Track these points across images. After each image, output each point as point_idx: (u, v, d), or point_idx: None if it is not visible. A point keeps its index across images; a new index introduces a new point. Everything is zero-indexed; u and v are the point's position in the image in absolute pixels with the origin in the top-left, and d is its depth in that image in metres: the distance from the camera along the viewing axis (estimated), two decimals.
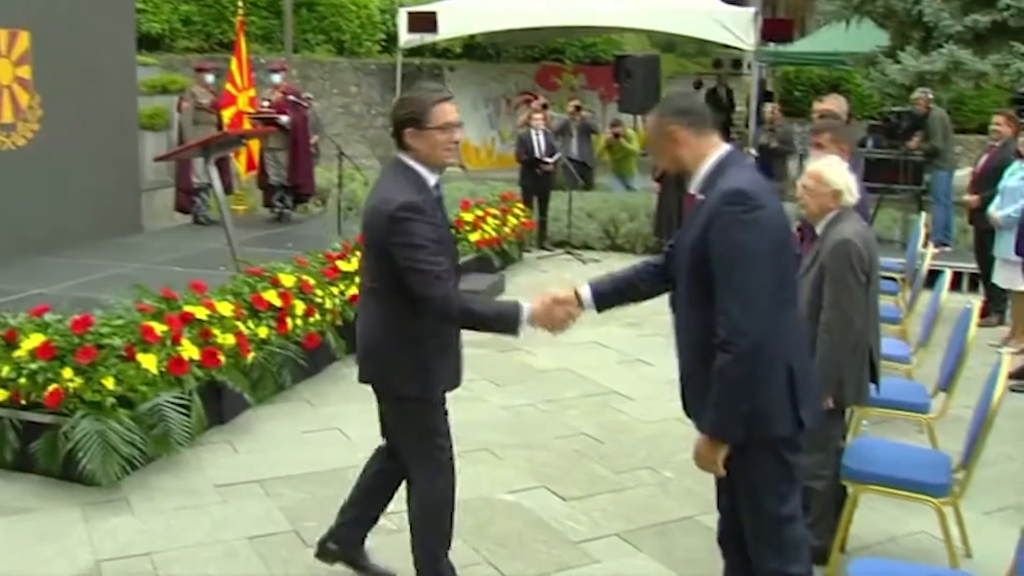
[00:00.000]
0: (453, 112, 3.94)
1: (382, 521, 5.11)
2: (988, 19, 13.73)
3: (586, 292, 3.90)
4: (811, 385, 3.54)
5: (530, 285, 11.27)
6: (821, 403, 3.80)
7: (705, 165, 3.47)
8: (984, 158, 9.72)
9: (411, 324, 3.91)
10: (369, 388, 4.14)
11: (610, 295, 3.93)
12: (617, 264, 12.68)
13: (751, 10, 16.74)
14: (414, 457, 4.16)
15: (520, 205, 12.81)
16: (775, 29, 16.10)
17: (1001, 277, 8.75)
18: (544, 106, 14.83)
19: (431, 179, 3.98)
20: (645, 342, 8.80)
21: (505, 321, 3.91)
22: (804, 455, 3.59)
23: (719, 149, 3.49)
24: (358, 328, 4.15)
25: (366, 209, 3.97)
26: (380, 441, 4.39)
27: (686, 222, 3.56)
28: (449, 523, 4.24)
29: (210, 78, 12.54)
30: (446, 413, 4.17)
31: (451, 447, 4.18)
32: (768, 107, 15.89)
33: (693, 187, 3.52)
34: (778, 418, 3.40)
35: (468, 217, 11.28)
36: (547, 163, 13.18)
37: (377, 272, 3.94)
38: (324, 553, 4.56)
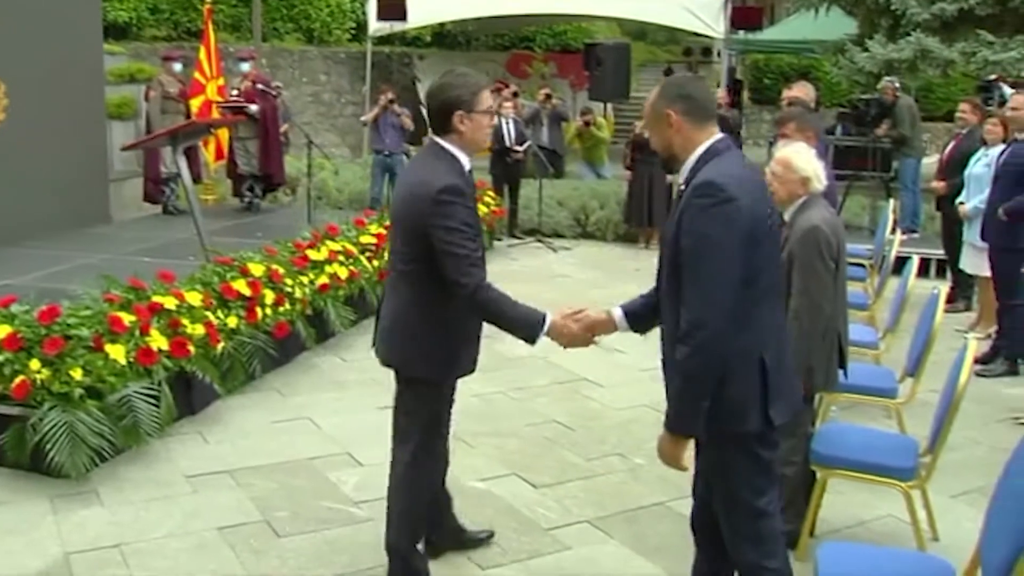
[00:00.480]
0: (491, 98, 4.06)
1: (352, 509, 5.14)
2: (955, 7, 13.84)
3: (618, 313, 3.91)
4: (787, 381, 3.49)
5: (502, 273, 11.27)
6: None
7: (693, 155, 3.42)
8: (951, 145, 9.78)
9: (443, 310, 3.94)
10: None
11: (643, 314, 3.89)
12: (588, 251, 12.70)
13: None
14: (410, 437, 4.16)
15: (491, 193, 12.78)
16: (744, 17, 16.17)
17: (968, 263, 8.82)
18: (515, 94, 14.82)
19: (467, 164, 4.03)
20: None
21: (526, 327, 3.93)
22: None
23: (709, 141, 3.42)
24: (385, 310, 4.16)
25: (401, 192, 4.01)
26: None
27: (672, 213, 3.52)
28: (424, 509, 4.27)
29: (178, 67, 12.47)
30: (453, 397, 4.30)
31: (447, 435, 4.26)
32: (718, 92, 15.91)
33: (680, 176, 3.49)
34: (748, 413, 3.37)
35: None
36: (517, 151, 13.17)
37: (411, 256, 3.94)
38: (437, 552, 4.56)
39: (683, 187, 3.43)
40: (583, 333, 3.94)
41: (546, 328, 3.91)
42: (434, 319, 3.96)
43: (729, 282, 3.23)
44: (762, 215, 3.36)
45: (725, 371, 3.32)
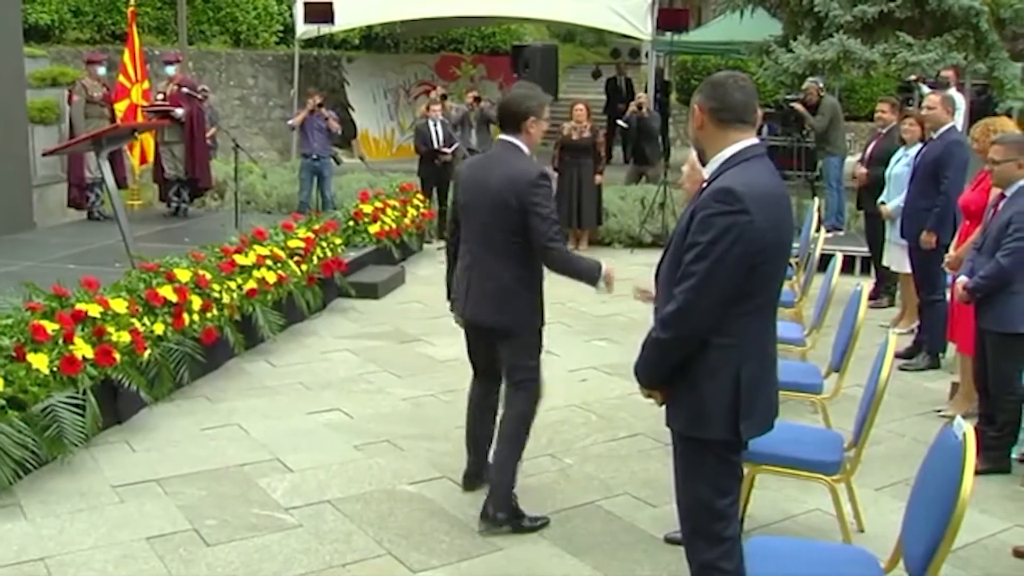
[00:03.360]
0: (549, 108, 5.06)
1: (282, 516, 5.11)
2: (875, 10, 14.10)
3: None
4: (762, 401, 3.50)
5: (431, 276, 11.27)
6: None
7: (719, 156, 3.44)
8: (872, 144, 9.95)
9: (534, 273, 4.96)
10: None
11: None
12: None
13: (647, 0, 16.92)
14: (525, 376, 5.03)
15: (420, 196, 12.77)
16: (671, 19, 16.29)
17: (891, 260, 8.99)
18: (443, 96, 14.81)
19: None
20: (547, 331, 8.83)
21: (590, 273, 4.91)
22: None
23: (738, 145, 3.42)
24: (481, 282, 4.98)
25: (498, 183, 4.82)
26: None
27: (689, 205, 3.53)
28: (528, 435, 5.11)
29: (101, 70, 12.27)
30: None
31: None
32: (640, 95, 16.04)
33: (706, 172, 3.51)
34: (717, 421, 3.40)
35: (367, 209, 11.22)
36: (446, 153, 13.16)
37: (513, 231, 4.82)
38: (512, 521, 5.03)
39: (705, 184, 3.44)
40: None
41: (603, 273, 4.88)
42: (536, 281, 4.99)
43: (719, 293, 3.28)
44: (775, 232, 3.35)
45: (701, 376, 3.38)
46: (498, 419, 5.19)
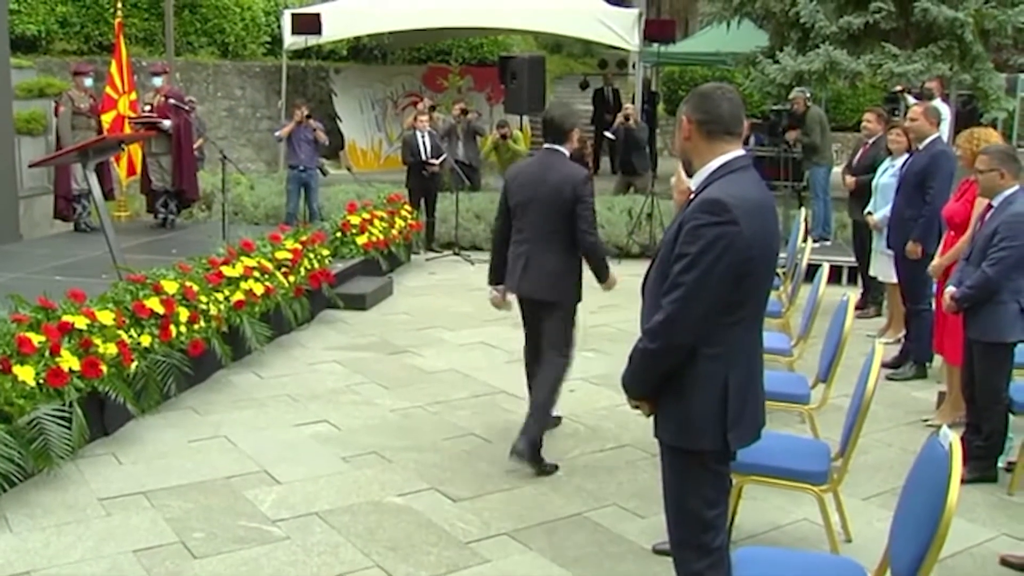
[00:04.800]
0: None
1: (269, 528, 5.10)
2: (861, 21, 14.19)
3: None
4: (750, 408, 3.51)
5: (419, 287, 11.28)
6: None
7: (707, 167, 3.45)
8: (859, 153, 9.99)
9: (576, 258, 6.05)
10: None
11: None
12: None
13: (634, 11, 16.98)
14: (564, 341, 6.17)
15: (407, 207, 12.77)
16: (658, 30, 16.35)
17: (878, 270, 9.02)
18: (432, 108, 14.82)
19: None
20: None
21: (606, 269, 6.19)
22: None
23: (726, 156, 3.44)
24: (538, 265, 6.01)
25: (553, 184, 5.92)
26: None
27: (676, 217, 3.55)
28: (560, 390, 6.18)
29: (88, 81, 12.22)
30: None
31: None
32: (627, 106, 16.10)
33: (693, 184, 3.52)
34: (706, 432, 3.41)
35: (355, 220, 11.21)
36: (433, 164, 13.17)
37: (564, 224, 5.93)
38: (534, 460, 5.97)
39: (693, 196, 3.45)
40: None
41: (612, 276, 6.24)
42: (578, 263, 6.08)
43: (707, 303, 3.29)
44: (762, 242, 3.37)
45: (689, 387, 3.39)
46: (541, 376, 6.14)
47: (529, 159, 6.56)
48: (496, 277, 6.32)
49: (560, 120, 6.06)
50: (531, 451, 5.88)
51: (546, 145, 6.10)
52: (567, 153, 6.05)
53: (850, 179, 9.85)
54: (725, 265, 3.26)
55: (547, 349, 6.10)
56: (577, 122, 6.21)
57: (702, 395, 3.39)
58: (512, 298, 6.29)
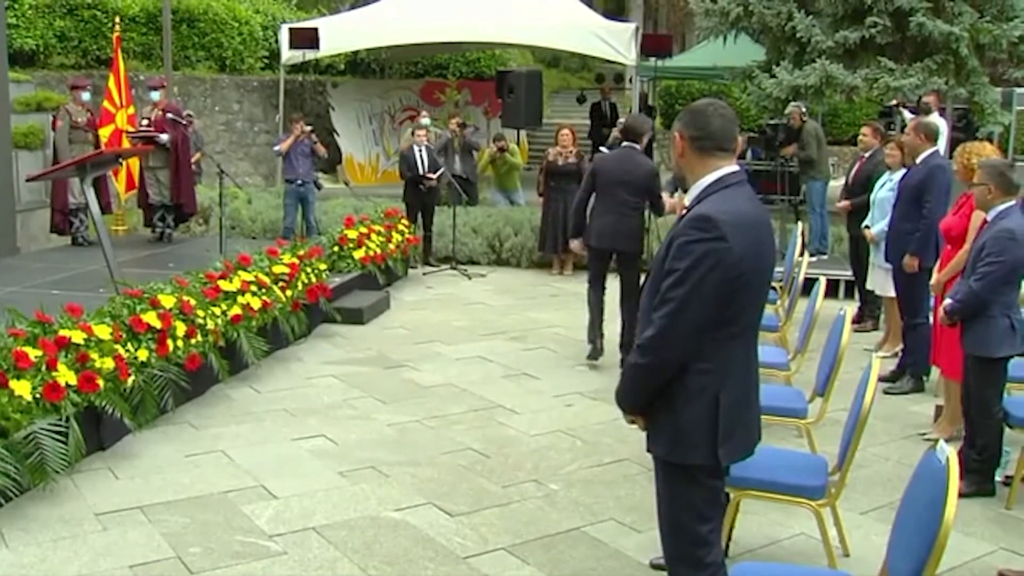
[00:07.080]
0: None
1: (266, 543, 5.09)
2: (857, 35, 14.25)
3: None
4: (743, 424, 3.52)
5: (417, 302, 11.27)
6: None
7: (699, 183, 3.47)
8: (855, 168, 10.01)
9: (645, 222, 8.58)
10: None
11: None
12: (502, 278, 12.72)
13: (631, 25, 17.00)
14: (637, 286, 7.42)
15: (405, 221, 12.76)
16: (655, 44, 16.37)
17: (875, 283, 9.03)
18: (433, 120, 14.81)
19: None
20: (530, 356, 8.87)
21: (663, 208, 8.67)
22: None
23: (719, 172, 3.47)
24: (627, 227, 8.25)
25: (641, 168, 8.23)
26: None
27: (668, 233, 3.55)
28: None
29: (86, 96, 12.22)
30: None
31: None
32: (623, 121, 16.11)
33: (687, 200, 3.55)
34: (697, 446, 3.42)
35: (352, 234, 11.21)
36: (431, 178, 13.18)
37: (639, 197, 8.22)
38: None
39: (685, 211, 3.47)
40: None
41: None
42: (644, 227, 8.56)
43: (696, 319, 3.30)
44: (754, 258, 3.38)
45: (680, 401, 3.39)
46: (623, 319, 8.25)
47: (613, 152, 8.79)
48: (577, 232, 8.59)
49: (635, 126, 8.38)
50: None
51: (625, 143, 8.33)
52: (640, 148, 8.27)
53: (844, 203, 9.87)
54: (714, 281, 3.27)
55: (628, 296, 8.15)
56: (648, 129, 8.45)
57: (694, 409, 3.40)
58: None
